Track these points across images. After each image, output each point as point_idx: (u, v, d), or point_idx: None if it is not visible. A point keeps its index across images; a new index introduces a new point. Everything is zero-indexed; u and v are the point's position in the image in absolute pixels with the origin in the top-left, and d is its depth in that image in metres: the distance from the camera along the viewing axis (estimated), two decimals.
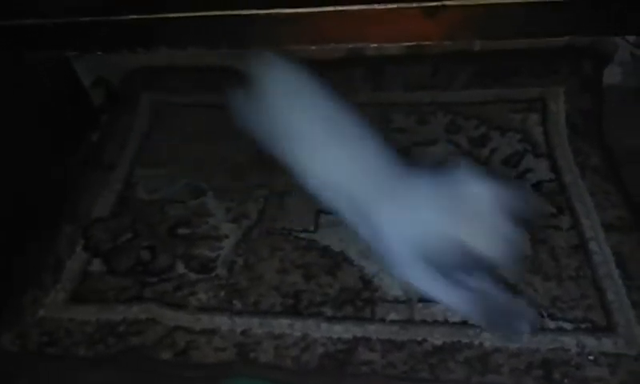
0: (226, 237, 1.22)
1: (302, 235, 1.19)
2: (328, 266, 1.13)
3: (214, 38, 1.14)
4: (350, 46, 1.41)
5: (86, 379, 1.04)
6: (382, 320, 1.03)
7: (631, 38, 1.36)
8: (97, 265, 1.21)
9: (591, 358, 0.94)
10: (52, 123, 1.44)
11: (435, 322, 1.01)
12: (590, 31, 1.23)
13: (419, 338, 0.99)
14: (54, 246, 1.24)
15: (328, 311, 1.06)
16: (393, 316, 1.03)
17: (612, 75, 1.41)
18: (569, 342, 0.96)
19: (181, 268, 1.17)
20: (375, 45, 1.32)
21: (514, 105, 1.37)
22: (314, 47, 1.21)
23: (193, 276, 1.15)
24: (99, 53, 1.45)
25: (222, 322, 1.07)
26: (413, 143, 1.33)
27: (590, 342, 0.96)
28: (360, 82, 1.46)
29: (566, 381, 0.92)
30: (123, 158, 1.42)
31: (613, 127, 1.31)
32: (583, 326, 0.98)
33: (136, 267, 1.19)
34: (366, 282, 1.09)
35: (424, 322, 1.02)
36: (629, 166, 1.23)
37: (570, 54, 1.40)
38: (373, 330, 1.02)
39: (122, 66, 1.60)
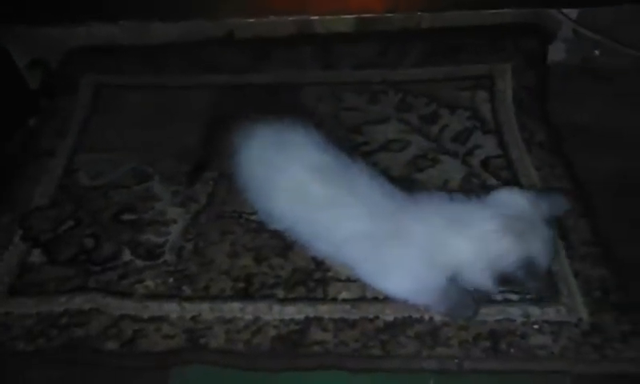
0: (174, 222, 1.18)
1: (253, 218, 1.17)
2: (279, 247, 1.11)
3: (149, 11, 1.08)
4: (291, 18, 1.38)
5: (26, 375, 1.00)
6: (334, 299, 1.03)
7: (573, 15, 1.39)
8: (36, 255, 1.15)
9: (536, 326, 0.96)
10: None
11: (386, 299, 1.01)
12: (532, 3, 1.25)
13: (371, 316, 1.00)
14: None
15: (280, 293, 1.04)
16: (345, 295, 1.03)
17: (556, 52, 1.44)
18: (515, 312, 0.98)
19: (127, 255, 1.13)
20: (317, 17, 1.30)
21: (463, 82, 1.39)
22: (253, 19, 1.18)
23: (139, 263, 1.11)
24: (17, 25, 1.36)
25: (171, 308, 1.04)
26: (364, 122, 1.32)
27: (535, 311, 0.98)
28: (310, 61, 1.44)
29: (512, 350, 0.94)
30: (63, 144, 1.36)
31: (557, 103, 1.35)
32: (528, 296, 1.00)
33: (79, 256, 1.14)
34: (318, 263, 1.08)
35: (376, 299, 1.02)
36: (572, 140, 1.26)
37: (514, 31, 1.42)
38: (325, 310, 1.01)
39: (60, 46, 1.52)
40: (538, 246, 0.90)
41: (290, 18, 1.37)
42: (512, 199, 0.94)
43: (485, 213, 0.93)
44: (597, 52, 1.43)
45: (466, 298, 0.97)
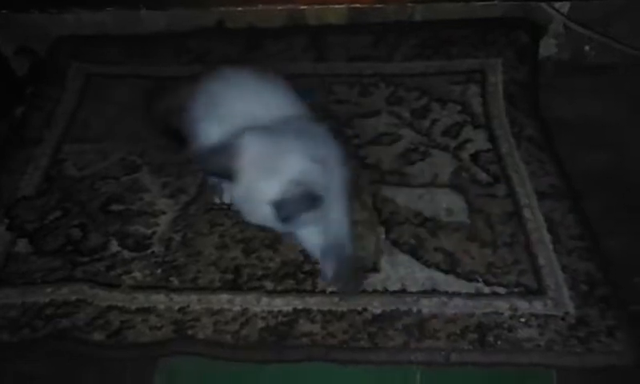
0: (163, 213, 1.17)
1: None
2: (269, 239, 1.10)
3: None
4: (280, 7, 1.37)
5: (13, 367, 0.98)
6: (323, 292, 1.03)
7: (564, 9, 1.39)
8: (22, 246, 1.13)
9: (523, 320, 0.97)
10: None
11: (375, 292, 1.02)
12: None
13: (359, 308, 1.00)
14: None
15: (269, 285, 1.04)
16: (333, 287, 1.03)
17: (547, 47, 1.44)
18: (502, 305, 0.99)
19: (114, 246, 1.12)
20: (308, 7, 1.29)
21: (454, 76, 1.38)
22: (243, 8, 1.17)
23: (127, 254, 1.11)
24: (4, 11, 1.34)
25: (159, 299, 1.04)
26: (355, 115, 1.32)
27: (522, 304, 0.99)
28: (301, 52, 1.42)
29: (499, 343, 0.94)
30: (50, 133, 1.34)
31: (547, 98, 1.35)
32: (516, 290, 1.01)
33: (65, 247, 1.12)
34: (307, 256, 1.08)
35: (364, 291, 1.02)
36: (562, 135, 1.27)
37: (506, 26, 1.42)
38: (313, 302, 1.01)
39: (47, 33, 1.49)
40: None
41: (280, 8, 1.36)
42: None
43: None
44: (587, 48, 1.43)
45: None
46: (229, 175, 0.94)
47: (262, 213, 0.93)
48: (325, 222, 0.99)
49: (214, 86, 1.07)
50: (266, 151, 0.93)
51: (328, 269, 1.01)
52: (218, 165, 0.95)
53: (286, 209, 0.90)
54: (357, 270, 1.03)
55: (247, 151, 0.93)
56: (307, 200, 0.91)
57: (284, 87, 1.08)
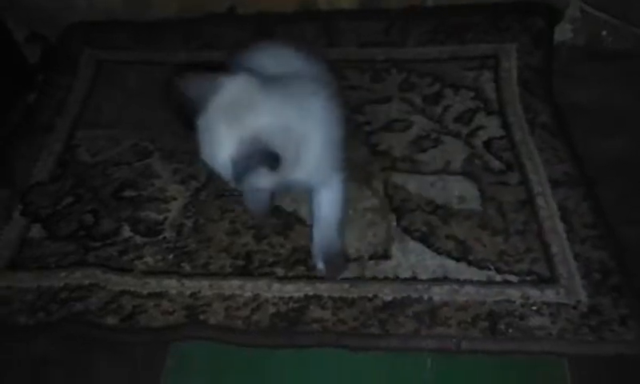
0: (174, 199, 1.18)
1: None
2: (280, 226, 1.11)
3: None
4: None
5: (28, 349, 1.00)
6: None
7: None
8: (36, 231, 1.15)
9: (534, 308, 0.96)
10: None
11: (386, 279, 1.02)
12: None
13: (370, 295, 1.00)
14: None
15: (279, 271, 1.05)
16: (344, 274, 1.03)
17: (562, 32, 1.42)
18: (514, 293, 0.98)
19: (126, 231, 1.13)
20: None
21: (468, 62, 1.36)
22: None
23: (139, 239, 1.12)
24: None
25: (171, 285, 1.04)
26: (367, 101, 1.31)
27: (534, 293, 0.98)
28: (313, 38, 1.41)
29: (510, 331, 0.94)
30: (62, 120, 1.35)
31: (562, 84, 1.33)
32: (528, 278, 1.00)
33: (78, 232, 1.14)
34: None
35: (375, 278, 1.02)
36: (576, 122, 1.25)
37: (521, 11, 1.40)
38: (324, 289, 1.01)
39: (58, 20, 1.50)
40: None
41: None
42: None
43: None
44: (604, 32, 1.40)
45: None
46: (195, 109, 0.87)
47: (217, 162, 0.86)
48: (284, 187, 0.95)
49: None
50: (238, 101, 0.86)
51: (319, 263, 1.02)
52: (193, 92, 0.87)
53: (238, 166, 0.83)
54: (344, 260, 1.04)
55: (221, 94, 0.86)
56: (262, 160, 0.83)
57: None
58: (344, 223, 1.05)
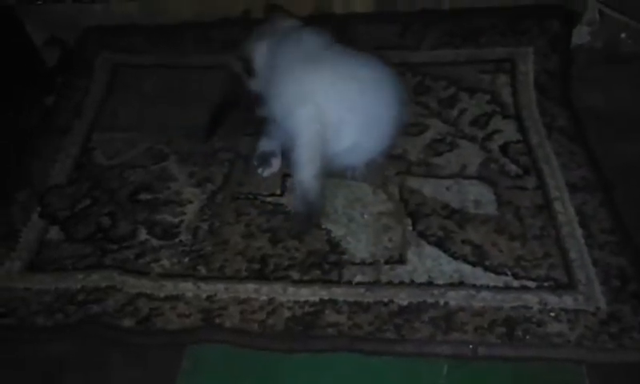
0: (190, 202, 1.18)
1: (269, 199, 1.17)
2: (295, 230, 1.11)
3: None
4: None
5: (45, 349, 1.01)
6: (349, 282, 1.02)
7: None
8: (54, 233, 1.16)
9: (552, 314, 0.95)
10: (1, 85, 1.36)
11: (401, 283, 1.01)
12: None
13: (385, 300, 0.99)
14: (6, 215, 1.18)
15: (295, 275, 1.05)
16: (359, 278, 1.03)
17: (580, 35, 1.40)
18: (531, 299, 0.97)
19: (143, 234, 1.14)
20: None
21: (484, 65, 1.36)
22: None
23: (155, 242, 1.12)
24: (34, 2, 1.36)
25: (187, 288, 1.05)
26: None
27: (552, 299, 0.97)
28: None
29: (527, 337, 0.93)
30: (79, 122, 1.36)
31: (579, 88, 1.31)
32: (546, 284, 0.99)
33: (95, 234, 1.15)
34: (334, 245, 1.08)
35: (390, 283, 1.01)
36: (594, 126, 1.23)
37: (538, 14, 1.38)
38: (339, 293, 1.01)
39: (76, 24, 1.52)
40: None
41: None
42: None
43: None
44: (623, 35, 1.38)
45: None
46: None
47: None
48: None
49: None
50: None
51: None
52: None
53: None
54: (316, 214, 1.10)
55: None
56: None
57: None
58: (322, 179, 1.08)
